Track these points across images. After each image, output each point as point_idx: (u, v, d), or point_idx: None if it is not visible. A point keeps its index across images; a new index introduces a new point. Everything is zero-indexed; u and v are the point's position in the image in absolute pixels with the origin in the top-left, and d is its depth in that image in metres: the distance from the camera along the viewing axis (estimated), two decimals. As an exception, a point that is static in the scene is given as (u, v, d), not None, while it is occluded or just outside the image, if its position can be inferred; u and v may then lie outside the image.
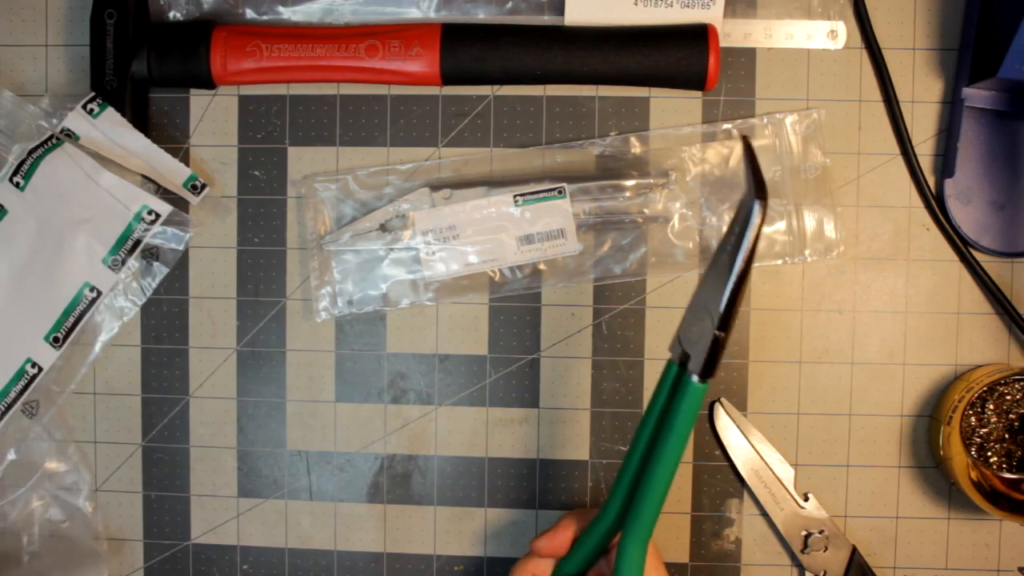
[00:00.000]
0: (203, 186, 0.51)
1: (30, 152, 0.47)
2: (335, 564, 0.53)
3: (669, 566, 0.52)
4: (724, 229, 0.51)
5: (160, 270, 0.52)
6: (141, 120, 0.51)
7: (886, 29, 0.51)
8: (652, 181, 0.50)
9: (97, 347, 0.52)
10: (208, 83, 0.50)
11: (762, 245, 0.51)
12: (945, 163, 0.50)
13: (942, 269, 0.51)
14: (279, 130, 0.52)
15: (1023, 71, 0.44)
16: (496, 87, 0.51)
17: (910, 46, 0.51)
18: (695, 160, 0.51)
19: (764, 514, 0.51)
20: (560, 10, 0.50)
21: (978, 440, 0.47)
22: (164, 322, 0.53)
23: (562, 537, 0.42)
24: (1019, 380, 0.47)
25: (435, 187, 0.51)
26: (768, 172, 0.51)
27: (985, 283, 0.50)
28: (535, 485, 0.52)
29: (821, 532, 0.50)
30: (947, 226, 0.50)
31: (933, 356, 0.51)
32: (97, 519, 0.53)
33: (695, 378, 0.35)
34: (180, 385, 0.53)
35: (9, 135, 0.49)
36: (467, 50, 0.49)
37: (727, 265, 0.33)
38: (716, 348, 0.34)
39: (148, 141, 0.50)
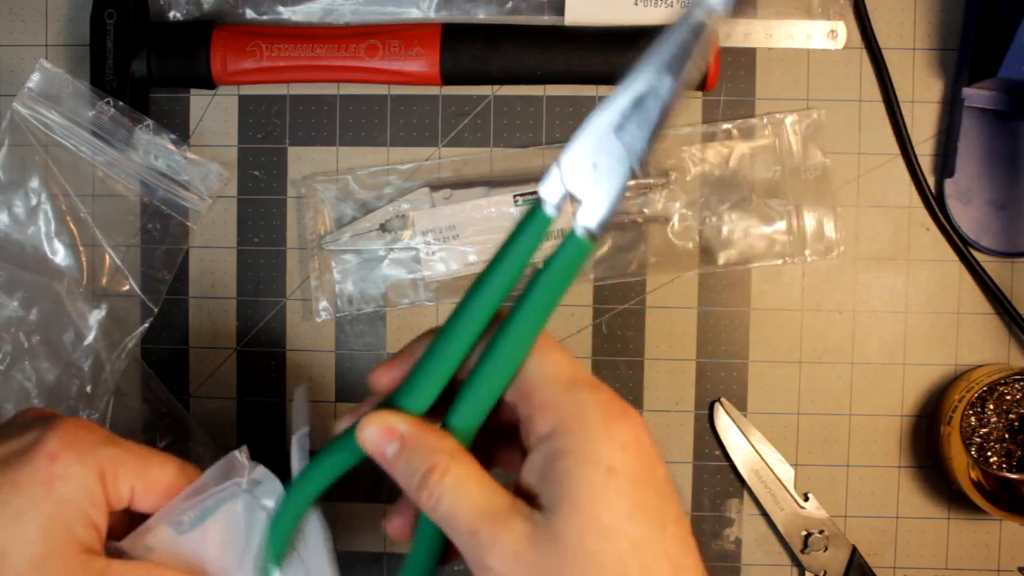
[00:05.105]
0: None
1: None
2: (335, 564, 0.53)
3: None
4: (725, 229, 0.51)
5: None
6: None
7: (886, 29, 0.50)
8: (652, 181, 0.50)
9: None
10: (208, 83, 0.50)
11: (762, 245, 0.51)
12: (945, 163, 0.50)
13: (942, 269, 0.51)
14: (279, 130, 0.52)
15: (1023, 71, 0.44)
16: (496, 87, 0.51)
17: (910, 46, 0.51)
18: (695, 160, 0.51)
19: (764, 514, 0.51)
20: (560, 10, 0.50)
21: (978, 440, 0.47)
22: (164, 322, 0.52)
23: (407, 365, 0.32)
24: (1019, 380, 0.47)
25: (435, 187, 0.51)
26: (768, 172, 0.51)
27: (985, 283, 0.50)
28: (535, 485, 0.52)
29: (821, 532, 0.50)
30: (947, 226, 0.50)
31: (933, 356, 0.51)
32: None
33: (585, 232, 0.28)
34: (180, 385, 0.53)
35: None
36: (467, 50, 0.49)
37: (659, 72, 0.26)
38: (622, 193, 0.28)
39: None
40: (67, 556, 0.33)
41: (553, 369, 0.30)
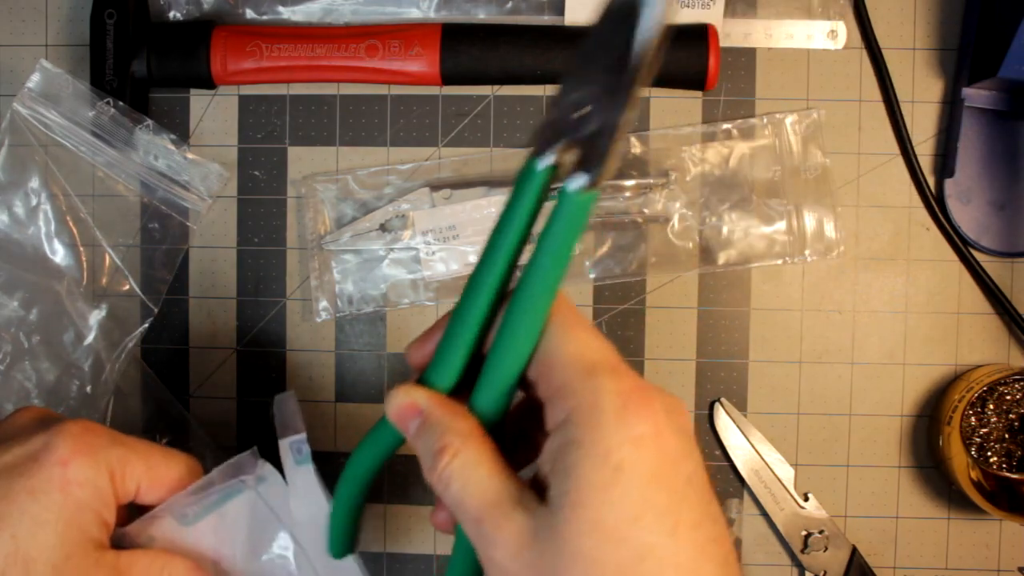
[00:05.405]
0: None
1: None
2: (335, 564, 0.53)
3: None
4: (725, 229, 0.51)
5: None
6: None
7: (886, 29, 0.50)
8: (652, 181, 0.50)
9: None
10: (208, 83, 0.50)
11: (762, 245, 0.51)
12: (945, 163, 0.50)
13: (942, 269, 0.51)
14: (279, 130, 0.52)
15: (1023, 71, 0.44)
16: (496, 87, 0.51)
17: (910, 46, 0.51)
18: (695, 160, 0.51)
19: (764, 514, 0.51)
20: (560, 10, 0.50)
21: (978, 440, 0.47)
22: (164, 322, 0.52)
23: (436, 339, 0.31)
24: (1019, 380, 0.47)
25: (435, 187, 0.51)
26: (768, 172, 0.51)
27: (985, 283, 0.50)
28: (535, 485, 0.52)
29: (821, 532, 0.50)
30: (947, 226, 0.50)
31: (933, 356, 0.51)
32: None
33: (580, 184, 0.26)
34: (180, 385, 0.53)
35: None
36: (467, 50, 0.49)
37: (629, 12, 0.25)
38: (617, 138, 0.25)
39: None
40: (84, 555, 0.34)
41: (574, 348, 0.27)
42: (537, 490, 0.27)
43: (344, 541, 0.35)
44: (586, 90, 0.26)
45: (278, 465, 0.38)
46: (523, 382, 0.29)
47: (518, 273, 0.29)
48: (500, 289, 0.29)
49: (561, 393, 0.27)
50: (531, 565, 0.26)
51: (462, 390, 0.30)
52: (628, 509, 0.25)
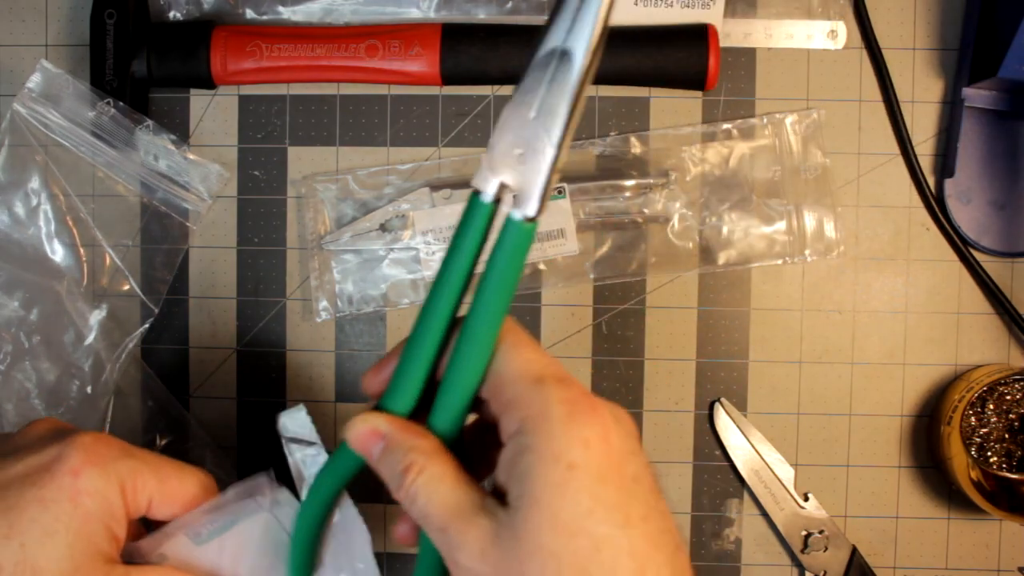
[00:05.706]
0: None
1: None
2: (335, 564, 0.53)
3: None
4: (725, 229, 0.51)
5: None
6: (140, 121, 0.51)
7: (886, 29, 0.51)
8: (652, 181, 0.50)
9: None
10: (208, 83, 0.50)
11: (762, 245, 0.51)
12: (945, 163, 0.50)
13: (942, 269, 0.51)
14: (279, 130, 0.52)
15: (1023, 71, 0.44)
16: (496, 87, 0.51)
17: (910, 46, 0.51)
18: (695, 160, 0.51)
19: (764, 514, 0.51)
20: (560, 10, 0.50)
21: (978, 440, 0.47)
22: (164, 322, 0.52)
23: (392, 367, 0.32)
24: (1019, 380, 0.47)
25: (435, 187, 0.51)
26: (768, 172, 0.51)
27: (985, 283, 0.50)
28: (535, 485, 0.52)
29: (821, 532, 0.50)
30: (947, 226, 0.50)
31: (933, 356, 0.51)
32: None
33: (520, 216, 0.28)
34: (180, 385, 0.53)
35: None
36: (467, 50, 0.49)
37: (565, 54, 0.27)
38: (551, 174, 0.28)
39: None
40: (93, 568, 0.33)
41: (521, 365, 0.30)
42: (497, 498, 0.29)
43: (304, 570, 0.36)
44: (522, 132, 0.28)
45: (284, 479, 0.38)
46: (475, 403, 0.31)
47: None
48: (451, 316, 0.31)
49: (512, 406, 0.29)
50: (496, 564, 0.27)
51: (418, 415, 0.31)
52: (582, 504, 0.27)
